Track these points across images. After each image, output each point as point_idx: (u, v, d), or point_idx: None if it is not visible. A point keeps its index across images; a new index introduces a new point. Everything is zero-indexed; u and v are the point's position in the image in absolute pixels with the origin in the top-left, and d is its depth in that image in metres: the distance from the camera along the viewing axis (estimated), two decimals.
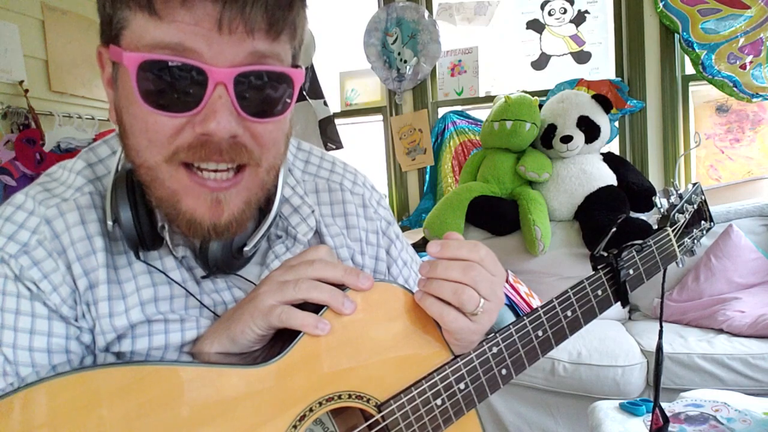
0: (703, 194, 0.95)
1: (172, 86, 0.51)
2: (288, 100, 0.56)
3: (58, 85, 2.49)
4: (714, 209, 2.66)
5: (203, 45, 0.50)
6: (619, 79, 2.77)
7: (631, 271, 0.77)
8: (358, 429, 0.56)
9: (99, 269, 0.59)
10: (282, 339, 0.55)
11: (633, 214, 2.40)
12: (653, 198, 0.91)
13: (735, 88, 2.52)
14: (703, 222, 0.95)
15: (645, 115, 2.73)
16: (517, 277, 2.33)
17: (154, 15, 0.50)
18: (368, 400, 0.56)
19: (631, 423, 1.24)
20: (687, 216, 0.90)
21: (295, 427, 0.51)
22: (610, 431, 1.22)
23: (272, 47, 0.53)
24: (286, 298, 0.54)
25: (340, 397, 0.54)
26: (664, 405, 1.22)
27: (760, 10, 2.47)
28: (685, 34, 2.58)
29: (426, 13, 2.99)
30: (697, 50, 2.56)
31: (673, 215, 0.87)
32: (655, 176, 2.75)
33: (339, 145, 3.06)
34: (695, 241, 0.92)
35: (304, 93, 3.02)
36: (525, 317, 0.66)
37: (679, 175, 2.74)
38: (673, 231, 0.86)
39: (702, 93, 2.76)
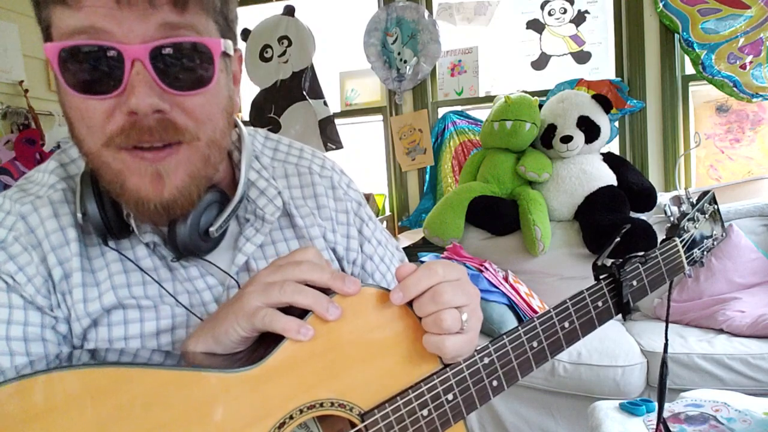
0: (716, 203, 0.91)
1: (93, 69, 0.53)
2: (210, 71, 0.56)
3: None
4: None
5: (113, 24, 0.52)
6: (619, 79, 2.77)
7: (634, 283, 0.74)
8: None
9: (73, 258, 0.61)
10: (267, 341, 0.54)
11: (633, 214, 2.41)
12: (664, 205, 0.88)
13: (735, 88, 2.52)
14: (714, 232, 0.90)
15: (645, 115, 2.73)
16: (517, 277, 2.32)
17: (64, 5, 0.52)
18: (351, 409, 0.54)
19: (631, 423, 1.24)
20: (698, 226, 0.86)
21: None
22: (610, 431, 1.22)
23: (183, 18, 0.54)
24: (271, 301, 0.53)
25: (322, 404, 0.53)
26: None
27: (760, 10, 2.47)
28: (685, 34, 2.58)
29: (426, 13, 2.99)
30: (697, 50, 2.56)
31: (684, 225, 0.83)
32: (655, 176, 2.75)
33: (339, 145, 3.05)
34: (705, 252, 0.88)
35: (304, 93, 3.02)
36: (520, 327, 0.64)
37: (679, 175, 2.74)
38: (681, 242, 0.82)
39: (702, 93, 2.76)
